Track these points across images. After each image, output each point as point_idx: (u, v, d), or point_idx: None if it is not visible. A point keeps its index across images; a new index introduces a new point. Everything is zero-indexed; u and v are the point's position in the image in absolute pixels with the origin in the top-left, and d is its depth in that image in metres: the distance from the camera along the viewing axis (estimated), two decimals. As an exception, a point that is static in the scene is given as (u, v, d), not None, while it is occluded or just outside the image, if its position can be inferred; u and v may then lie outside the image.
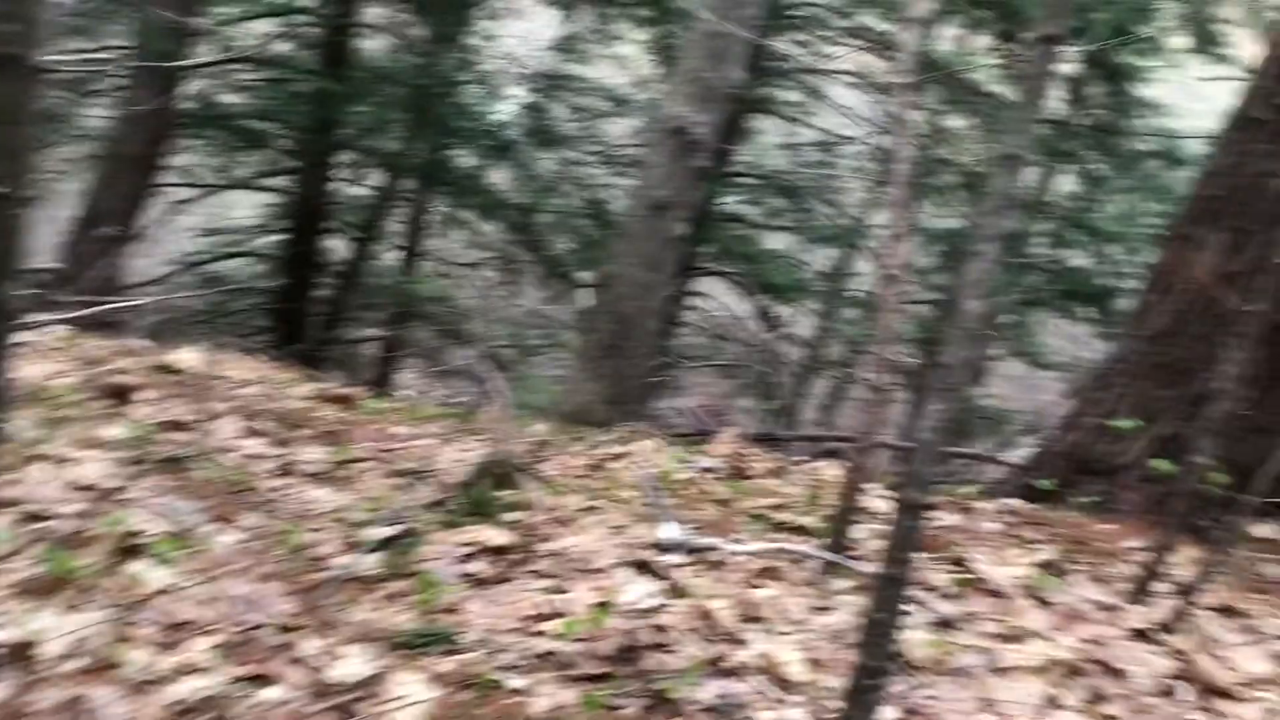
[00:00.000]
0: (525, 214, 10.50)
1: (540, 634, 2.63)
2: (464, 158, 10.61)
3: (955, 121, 10.77)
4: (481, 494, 3.43)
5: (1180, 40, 9.19)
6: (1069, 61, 8.77)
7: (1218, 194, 4.47)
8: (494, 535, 3.13)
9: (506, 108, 11.02)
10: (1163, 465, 3.75)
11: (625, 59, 11.47)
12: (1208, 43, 8.95)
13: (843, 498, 3.35)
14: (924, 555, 3.36)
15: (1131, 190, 9.64)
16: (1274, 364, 4.17)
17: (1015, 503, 4.47)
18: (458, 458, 4.02)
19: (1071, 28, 2.21)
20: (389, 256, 11.78)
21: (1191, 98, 10.01)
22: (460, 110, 10.19)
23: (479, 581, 2.90)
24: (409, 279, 10.78)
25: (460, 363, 10.45)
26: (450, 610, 2.71)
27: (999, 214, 2.16)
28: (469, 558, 3.02)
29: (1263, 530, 4.22)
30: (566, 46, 11.02)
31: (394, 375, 11.07)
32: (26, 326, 4.96)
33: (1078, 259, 10.17)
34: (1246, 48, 8.77)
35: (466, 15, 10.29)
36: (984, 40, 10.75)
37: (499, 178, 10.83)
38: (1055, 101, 9.52)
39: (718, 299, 11.27)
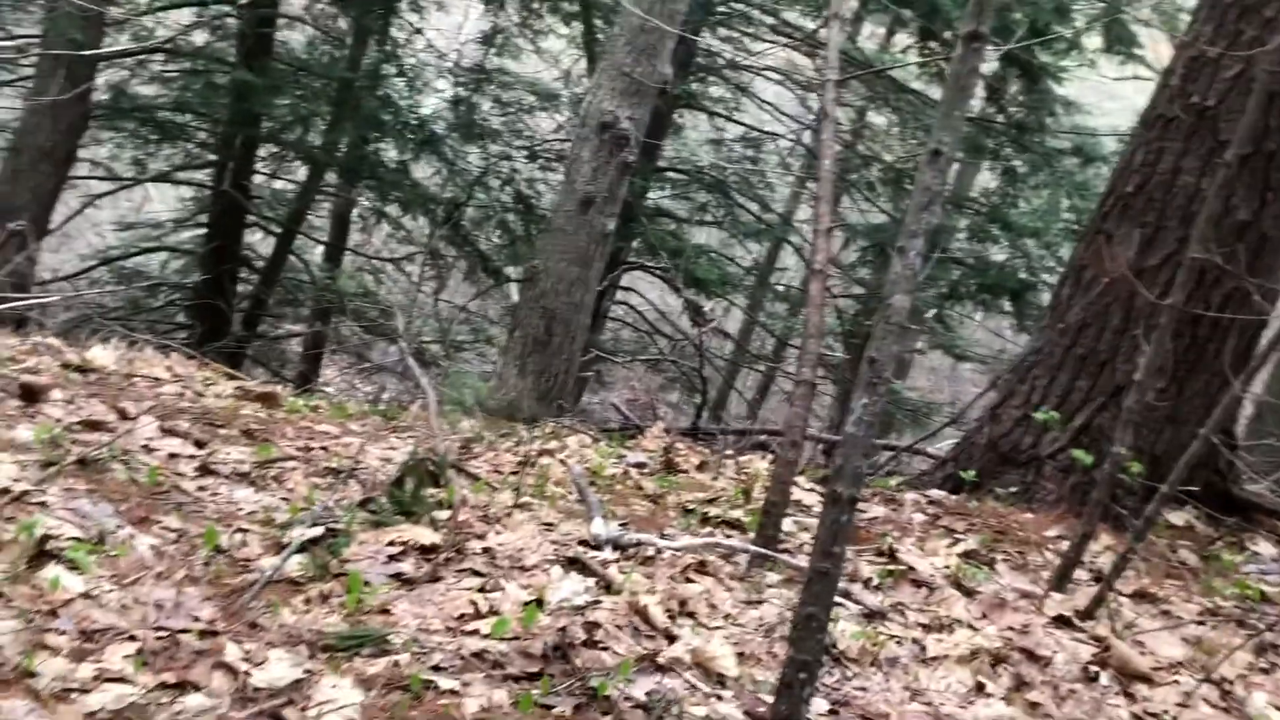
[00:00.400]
0: (451, 209, 10.40)
1: (472, 633, 2.60)
2: (388, 151, 10.48)
3: (879, 118, 10.93)
4: (410, 492, 3.38)
5: (1094, 40, 9.43)
6: (987, 60, 8.94)
7: (1132, 190, 4.59)
8: (423, 534, 3.09)
9: (432, 101, 10.91)
10: (1082, 456, 3.83)
11: (552, 53, 11.43)
12: (1121, 43, 9.18)
13: (772, 491, 3.37)
14: (853, 547, 3.40)
15: (1048, 186, 9.86)
16: (1188, 356, 4.30)
17: (939, 494, 4.55)
18: (385, 456, 3.96)
19: (991, 27, 2.24)
20: (312, 251, 11.60)
21: (1105, 96, 10.28)
22: (384, 104, 10.06)
23: (408, 581, 2.86)
24: (333, 274, 10.62)
25: (386, 359, 10.33)
26: (379, 611, 2.67)
27: (925, 210, 2.19)
28: (398, 557, 2.98)
29: (1177, 517, 4.36)
30: (493, 40, 10.94)
31: (318, 372, 10.89)
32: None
33: (997, 254, 10.38)
34: (1157, 48, 9.03)
35: (390, 7, 10.16)
36: (906, 38, 10.93)
37: (424, 172, 10.72)
38: (974, 99, 9.70)
39: (644, 294, 11.29)
